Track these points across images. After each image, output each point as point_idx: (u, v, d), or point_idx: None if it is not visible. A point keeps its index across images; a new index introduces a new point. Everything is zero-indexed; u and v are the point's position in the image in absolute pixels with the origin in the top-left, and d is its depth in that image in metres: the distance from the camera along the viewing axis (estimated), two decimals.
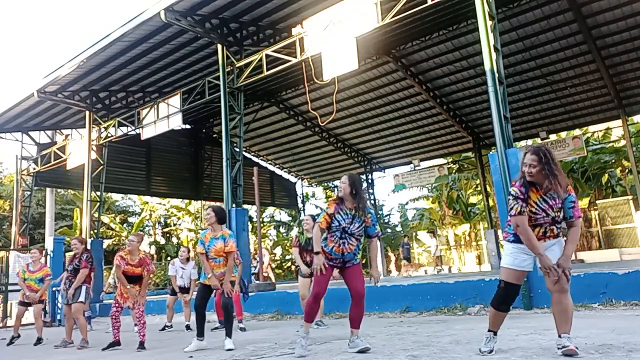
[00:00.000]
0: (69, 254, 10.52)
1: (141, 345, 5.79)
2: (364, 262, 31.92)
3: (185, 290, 8.68)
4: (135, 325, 8.49)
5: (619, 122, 18.35)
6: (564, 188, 3.29)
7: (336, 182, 26.25)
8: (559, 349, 3.23)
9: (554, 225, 3.36)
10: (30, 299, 7.73)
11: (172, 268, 8.74)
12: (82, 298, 6.99)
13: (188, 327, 8.33)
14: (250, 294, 9.40)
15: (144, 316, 6.04)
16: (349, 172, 4.20)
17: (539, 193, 3.30)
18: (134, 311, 6.15)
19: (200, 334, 5.30)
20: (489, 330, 3.58)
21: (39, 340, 7.85)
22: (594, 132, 21.96)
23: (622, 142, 20.79)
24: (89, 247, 7.82)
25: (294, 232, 33.40)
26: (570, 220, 3.37)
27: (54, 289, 13.06)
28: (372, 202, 24.40)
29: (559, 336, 3.29)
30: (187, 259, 8.75)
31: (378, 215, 26.13)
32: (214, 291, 5.52)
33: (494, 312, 3.56)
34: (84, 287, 7.01)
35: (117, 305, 6.07)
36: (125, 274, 6.02)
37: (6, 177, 29.89)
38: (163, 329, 8.70)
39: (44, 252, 13.39)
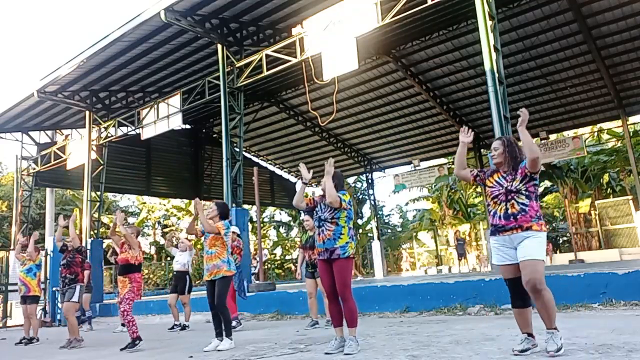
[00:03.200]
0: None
1: (132, 344, 5.62)
2: (364, 262, 31.57)
3: (182, 281, 8.63)
4: (122, 324, 8.47)
5: (616, 122, 18.35)
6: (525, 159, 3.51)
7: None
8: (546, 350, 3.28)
9: (511, 197, 3.46)
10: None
11: (174, 250, 8.98)
12: (75, 298, 6.86)
13: (185, 327, 8.29)
14: (250, 294, 9.41)
15: (128, 314, 5.72)
16: (334, 171, 4.37)
17: (499, 174, 3.63)
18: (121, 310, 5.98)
19: (219, 333, 5.21)
20: (522, 333, 3.55)
21: (30, 340, 7.85)
22: (591, 132, 21.91)
23: (615, 142, 20.79)
24: (88, 246, 7.82)
25: (294, 233, 33.40)
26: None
27: (53, 288, 13.06)
28: (372, 202, 24.42)
29: (546, 331, 3.37)
30: (185, 249, 8.83)
31: (378, 216, 26.05)
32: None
33: (513, 311, 3.60)
34: (78, 287, 6.92)
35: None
36: (119, 263, 6.13)
37: (5, 177, 29.85)
38: (172, 327, 8.62)
39: (43, 252, 13.41)
